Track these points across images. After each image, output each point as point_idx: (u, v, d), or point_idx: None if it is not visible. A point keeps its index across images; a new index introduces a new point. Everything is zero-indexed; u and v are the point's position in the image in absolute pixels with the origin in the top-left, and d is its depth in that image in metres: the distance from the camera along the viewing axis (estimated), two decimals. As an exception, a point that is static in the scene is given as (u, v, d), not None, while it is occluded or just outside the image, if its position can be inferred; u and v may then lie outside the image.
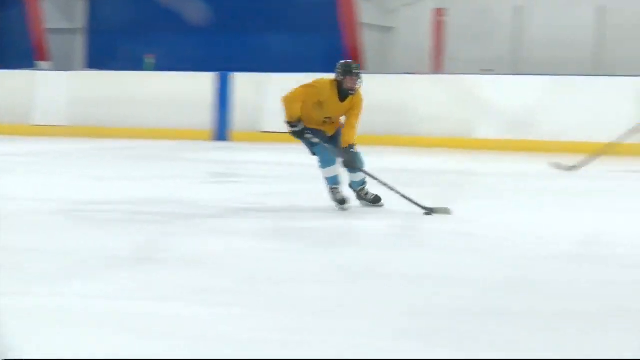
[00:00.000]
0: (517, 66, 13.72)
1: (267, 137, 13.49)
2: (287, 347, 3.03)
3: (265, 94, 13.25)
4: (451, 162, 10.78)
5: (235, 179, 8.94)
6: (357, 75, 6.52)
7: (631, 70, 12.98)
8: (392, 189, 6.40)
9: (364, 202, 6.73)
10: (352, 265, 4.49)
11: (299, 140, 6.60)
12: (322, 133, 6.59)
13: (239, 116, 13.31)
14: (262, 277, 4.14)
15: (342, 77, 6.48)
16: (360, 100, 6.60)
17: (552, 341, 3.14)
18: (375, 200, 6.67)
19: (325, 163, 6.54)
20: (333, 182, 6.54)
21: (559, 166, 9.25)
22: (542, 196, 7.58)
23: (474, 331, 3.26)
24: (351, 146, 6.53)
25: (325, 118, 6.58)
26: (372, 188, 6.65)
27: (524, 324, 3.36)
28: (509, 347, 3.07)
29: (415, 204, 6.23)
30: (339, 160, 6.55)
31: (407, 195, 6.31)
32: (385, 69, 14.94)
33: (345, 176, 6.61)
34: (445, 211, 6.11)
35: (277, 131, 13.66)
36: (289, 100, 6.49)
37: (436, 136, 12.24)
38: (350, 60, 6.68)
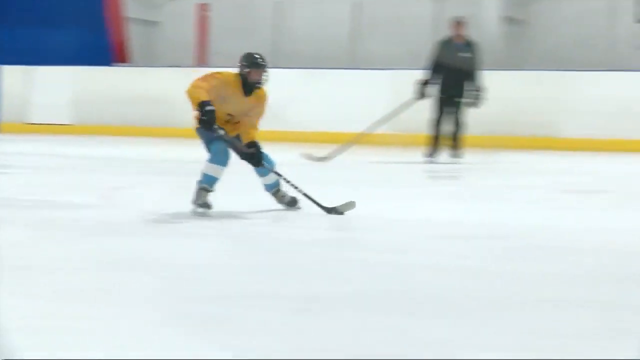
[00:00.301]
0: (278, 60, 14.37)
1: (34, 128, 13.64)
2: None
3: (32, 86, 13.37)
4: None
5: (5, 170, 9.08)
6: (263, 68, 6.08)
7: (385, 64, 13.94)
8: (295, 187, 6.17)
9: (282, 205, 6.35)
10: (117, 253, 4.82)
11: (200, 135, 6.10)
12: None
13: (6, 108, 13.32)
14: (37, 264, 4.46)
15: (247, 70, 6.04)
16: (265, 98, 6.20)
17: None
18: (292, 203, 6.33)
19: (218, 160, 6.06)
20: (208, 182, 6.05)
21: (309, 157, 9.57)
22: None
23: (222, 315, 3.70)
24: (254, 142, 6.11)
25: (228, 115, 6.12)
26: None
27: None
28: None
29: (318, 204, 6.07)
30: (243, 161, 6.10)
31: (311, 195, 6.13)
32: (151, 62, 15.27)
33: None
34: (347, 206, 5.98)
35: (45, 123, 13.88)
36: (193, 88, 5.95)
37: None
38: (254, 52, 6.18)
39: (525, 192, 7.92)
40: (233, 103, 6.07)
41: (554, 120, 12.39)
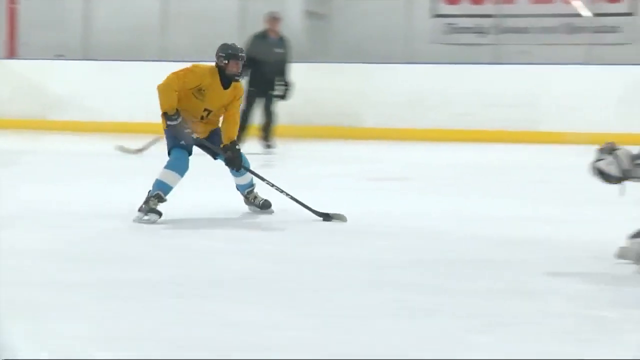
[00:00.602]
0: (87, 52, 14.46)
1: None
2: None
3: None
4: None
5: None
6: (242, 59, 5.94)
7: (192, 56, 14.24)
8: (282, 191, 6.01)
9: (253, 207, 6.16)
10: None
11: (167, 136, 5.88)
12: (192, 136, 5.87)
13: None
14: None
15: (225, 62, 5.86)
16: (242, 91, 6.14)
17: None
18: (265, 206, 6.13)
19: (175, 167, 5.80)
20: (161, 189, 5.73)
21: (123, 149, 9.69)
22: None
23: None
24: (234, 143, 5.91)
25: (205, 110, 5.92)
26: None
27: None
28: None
29: (310, 209, 5.92)
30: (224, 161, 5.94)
31: (300, 200, 5.99)
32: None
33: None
34: (340, 217, 5.86)
35: None
36: (164, 89, 5.77)
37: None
38: (232, 43, 6.03)
39: (337, 179, 8.50)
40: (211, 97, 5.89)
41: (356, 111, 13.08)
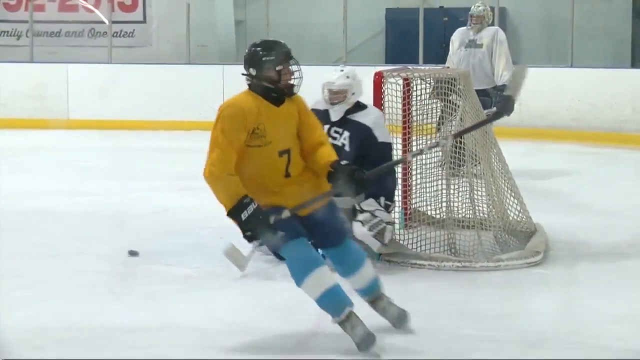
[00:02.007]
0: None
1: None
2: None
3: None
4: None
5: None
6: (294, 62, 4.31)
7: None
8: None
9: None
10: None
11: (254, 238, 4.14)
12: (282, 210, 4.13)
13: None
14: None
15: (274, 70, 4.24)
16: (303, 101, 4.41)
17: None
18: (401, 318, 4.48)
19: (306, 269, 4.11)
20: (329, 307, 4.15)
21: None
22: None
23: None
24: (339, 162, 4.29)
25: (281, 155, 4.22)
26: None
27: None
28: None
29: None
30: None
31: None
32: None
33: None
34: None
35: None
36: (217, 172, 4.09)
37: None
38: (271, 40, 4.44)
39: None
40: (274, 130, 4.22)
41: None
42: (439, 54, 12.97)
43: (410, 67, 7.38)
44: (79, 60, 15.08)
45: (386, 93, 6.23)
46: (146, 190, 8.84)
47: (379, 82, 6.21)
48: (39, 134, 13.26)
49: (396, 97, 6.25)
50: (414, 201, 6.45)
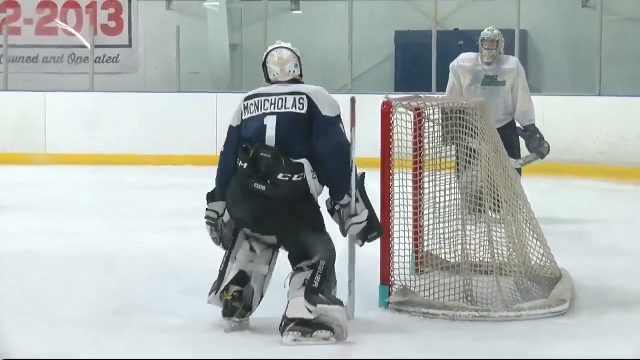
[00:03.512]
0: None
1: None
2: None
3: None
4: None
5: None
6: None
7: None
8: None
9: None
10: None
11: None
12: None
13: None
14: None
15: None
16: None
17: None
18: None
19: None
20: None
21: None
22: None
23: None
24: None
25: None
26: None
27: None
28: None
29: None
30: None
31: None
32: None
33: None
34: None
35: None
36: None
37: None
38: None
39: None
40: None
41: None
42: (453, 81, 13.04)
43: (422, 95, 7.42)
44: (58, 89, 15.16)
45: (395, 124, 6.18)
46: (134, 230, 8.88)
47: (387, 112, 6.18)
48: (15, 169, 13.35)
49: (406, 128, 6.25)
50: (426, 243, 6.45)
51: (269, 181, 5.32)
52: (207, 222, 5.59)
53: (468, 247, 6.15)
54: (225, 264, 5.51)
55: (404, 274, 5.93)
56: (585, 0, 16.17)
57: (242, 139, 5.49)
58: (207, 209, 5.60)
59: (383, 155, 6.08)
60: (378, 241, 5.77)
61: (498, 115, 8.78)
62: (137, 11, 17.25)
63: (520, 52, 13.64)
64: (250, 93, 5.62)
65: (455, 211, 6.23)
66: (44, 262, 7.49)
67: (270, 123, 5.43)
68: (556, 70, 16.29)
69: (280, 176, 5.32)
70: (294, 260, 5.46)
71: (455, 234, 6.21)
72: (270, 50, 5.81)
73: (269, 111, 5.46)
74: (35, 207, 10.31)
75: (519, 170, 8.42)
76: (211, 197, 5.61)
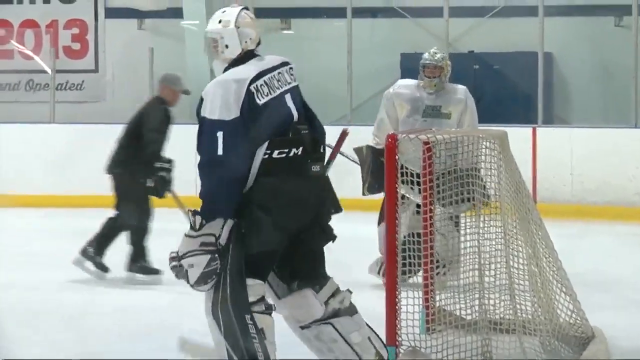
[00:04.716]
0: None
1: None
2: None
3: None
4: None
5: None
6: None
7: None
8: None
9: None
10: None
11: None
12: None
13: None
14: None
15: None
16: None
17: None
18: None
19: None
20: None
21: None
22: None
23: None
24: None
25: None
26: None
27: None
28: None
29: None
30: None
31: None
32: None
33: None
34: None
35: None
36: None
37: None
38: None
39: None
40: None
41: None
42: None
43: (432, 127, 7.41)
44: (13, 120, 15.16)
45: (402, 160, 6.21)
46: (101, 284, 8.90)
47: (392, 146, 6.18)
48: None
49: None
50: (437, 298, 6.45)
51: (318, 159, 5.33)
52: (202, 251, 5.06)
53: (486, 301, 6.15)
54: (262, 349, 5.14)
55: (413, 333, 5.92)
56: (618, 19, 16.24)
57: (260, 128, 5.17)
58: (198, 234, 5.06)
59: (389, 195, 6.08)
60: (382, 294, 5.76)
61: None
62: (104, 31, 17.35)
63: (545, 77, 13.69)
64: (245, 73, 5.24)
65: (472, 260, 6.23)
66: (1, 320, 7.47)
67: (289, 102, 5.34)
68: (585, 99, 16.34)
69: (320, 151, 5.37)
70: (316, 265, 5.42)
71: (471, 287, 6.21)
72: (240, 11, 5.47)
73: (282, 89, 5.33)
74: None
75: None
76: (208, 216, 5.09)
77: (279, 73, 5.35)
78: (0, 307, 7.81)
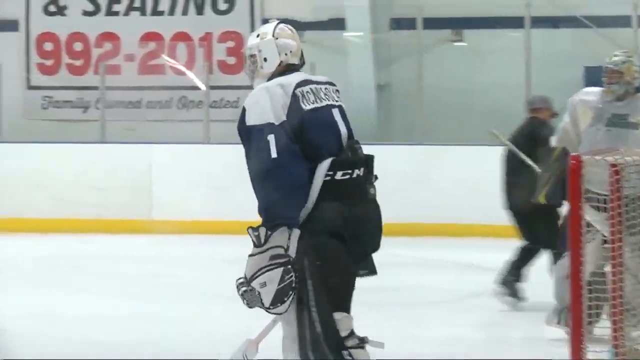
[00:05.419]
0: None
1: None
2: None
3: None
4: None
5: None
6: None
7: None
8: None
9: None
10: None
11: None
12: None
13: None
14: None
15: None
16: None
17: None
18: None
19: None
20: None
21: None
22: None
23: None
24: None
25: None
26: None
27: None
28: None
29: None
30: None
31: None
32: None
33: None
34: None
35: None
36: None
37: None
38: None
39: None
40: None
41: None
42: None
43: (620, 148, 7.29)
44: (164, 140, 15.31)
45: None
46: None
47: (577, 168, 6.11)
48: (118, 239, 13.70)
49: (601, 190, 6.17)
50: (633, 334, 6.33)
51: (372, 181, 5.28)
52: (274, 265, 4.99)
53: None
54: None
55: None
56: None
57: (305, 134, 5.12)
58: (265, 248, 4.99)
59: (573, 223, 6.03)
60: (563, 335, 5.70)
61: None
62: (261, 44, 17.47)
63: None
64: (290, 79, 5.20)
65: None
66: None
67: (337, 117, 5.31)
68: None
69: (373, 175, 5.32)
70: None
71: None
72: (278, 24, 5.46)
73: (329, 102, 5.30)
74: (155, 287, 10.63)
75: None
76: (272, 225, 5.00)
77: (325, 88, 5.33)
78: (155, 340, 7.98)
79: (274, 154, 4.99)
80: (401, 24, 17.30)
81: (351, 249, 5.13)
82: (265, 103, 5.08)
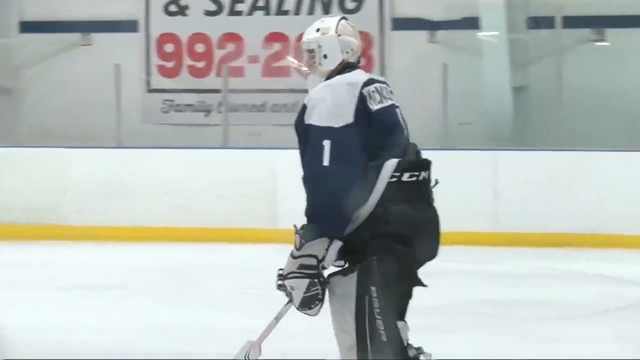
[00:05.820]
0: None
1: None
2: None
3: None
4: None
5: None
6: None
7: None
8: None
9: None
10: None
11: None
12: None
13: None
14: None
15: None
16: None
17: None
18: None
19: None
20: None
21: None
22: None
23: None
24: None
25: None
26: None
27: None
28: None
29: None
30: None
31: None
32: None
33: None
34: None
35: None
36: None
37: None
38: None
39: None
40: None
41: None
42: None
43: None
44: (290, 145, 15.38)
45: None
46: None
47: None
48: (239, 248, 13.91)
49: None
50: None
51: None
52: (301, 275, 5.00)
53: None
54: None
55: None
56: None
57: (372, 137, 5.06)
58: (299, 255, 4.99)
59: None
60: None
61: None
62: (390, 44, 17.45)
63: None
64: (356, 77, 5.15)
65: None
66: None
67: (400, 116, 5.24)
68: None
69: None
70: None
71: None
72: (340, 19, 5.39)
73: (392, 101, 5.21)
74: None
75: None
76: (308, 235, 4.99)
77: (387, 87, 5.23)
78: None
79: (326, 162, 4.96)
80: (539, 23, 17.17)
81: (421, 255, 5.11)
82: (329, 103, 5.03)
